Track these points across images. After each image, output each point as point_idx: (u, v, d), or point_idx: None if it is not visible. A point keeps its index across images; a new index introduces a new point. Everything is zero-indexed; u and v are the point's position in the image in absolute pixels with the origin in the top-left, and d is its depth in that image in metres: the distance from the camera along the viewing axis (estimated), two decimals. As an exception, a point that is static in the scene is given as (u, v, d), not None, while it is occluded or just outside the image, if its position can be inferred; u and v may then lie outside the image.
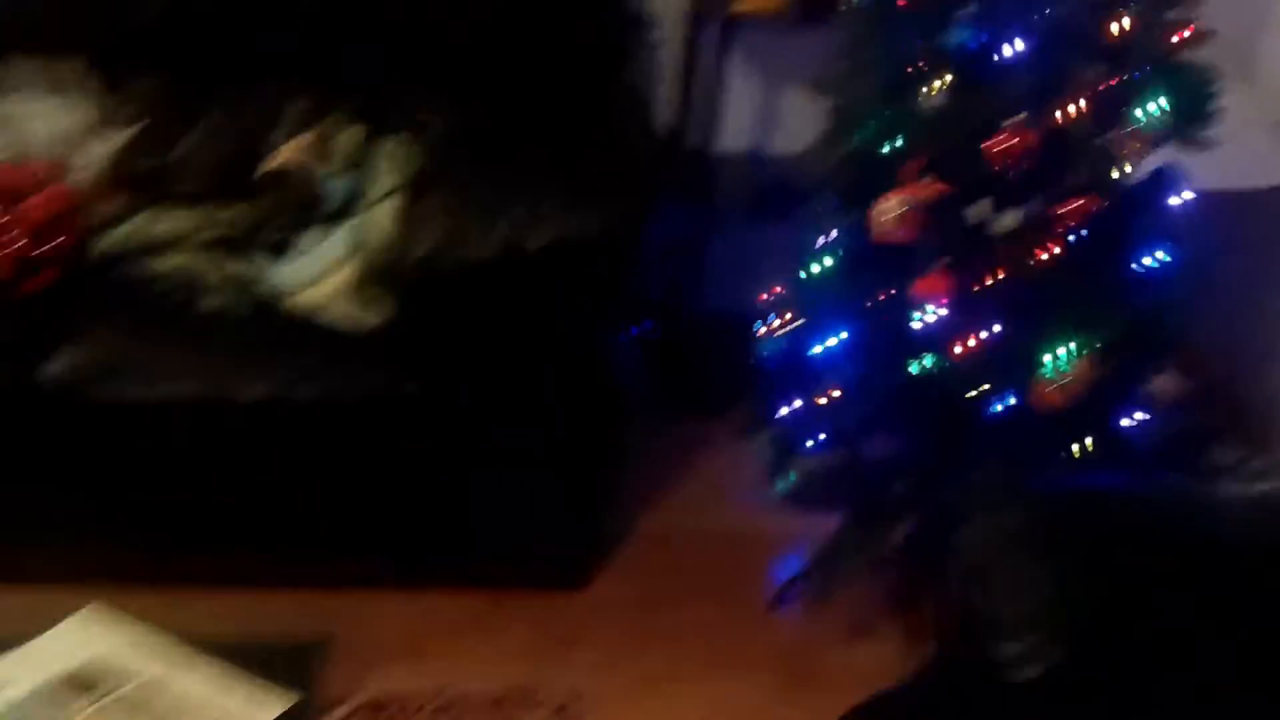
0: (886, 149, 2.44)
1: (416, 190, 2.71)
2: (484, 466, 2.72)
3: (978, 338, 2.44)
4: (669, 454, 3.21)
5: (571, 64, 3.15)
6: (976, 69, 2.37)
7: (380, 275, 2.62)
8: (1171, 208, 2.51)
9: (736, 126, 3.58)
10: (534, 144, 2.86)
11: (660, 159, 3.44)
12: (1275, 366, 3.45)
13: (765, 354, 2.74)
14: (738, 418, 3.09)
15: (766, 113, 3.63)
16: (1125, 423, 2.55)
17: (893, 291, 2.51)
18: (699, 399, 3.39)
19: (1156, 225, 2.49)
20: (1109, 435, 2.56)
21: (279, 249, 2.71)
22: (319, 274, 2.63)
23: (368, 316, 2.60)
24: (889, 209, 2.39)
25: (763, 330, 2.75)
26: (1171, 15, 2.40)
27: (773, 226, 2.96)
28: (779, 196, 3.15)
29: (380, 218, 2.69)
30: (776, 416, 2.77)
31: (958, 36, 2.35)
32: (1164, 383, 2.98)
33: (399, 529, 2.75)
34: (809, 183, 2.67)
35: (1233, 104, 3.11)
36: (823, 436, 2.75)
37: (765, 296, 2.81)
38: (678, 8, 3.48)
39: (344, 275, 2.62)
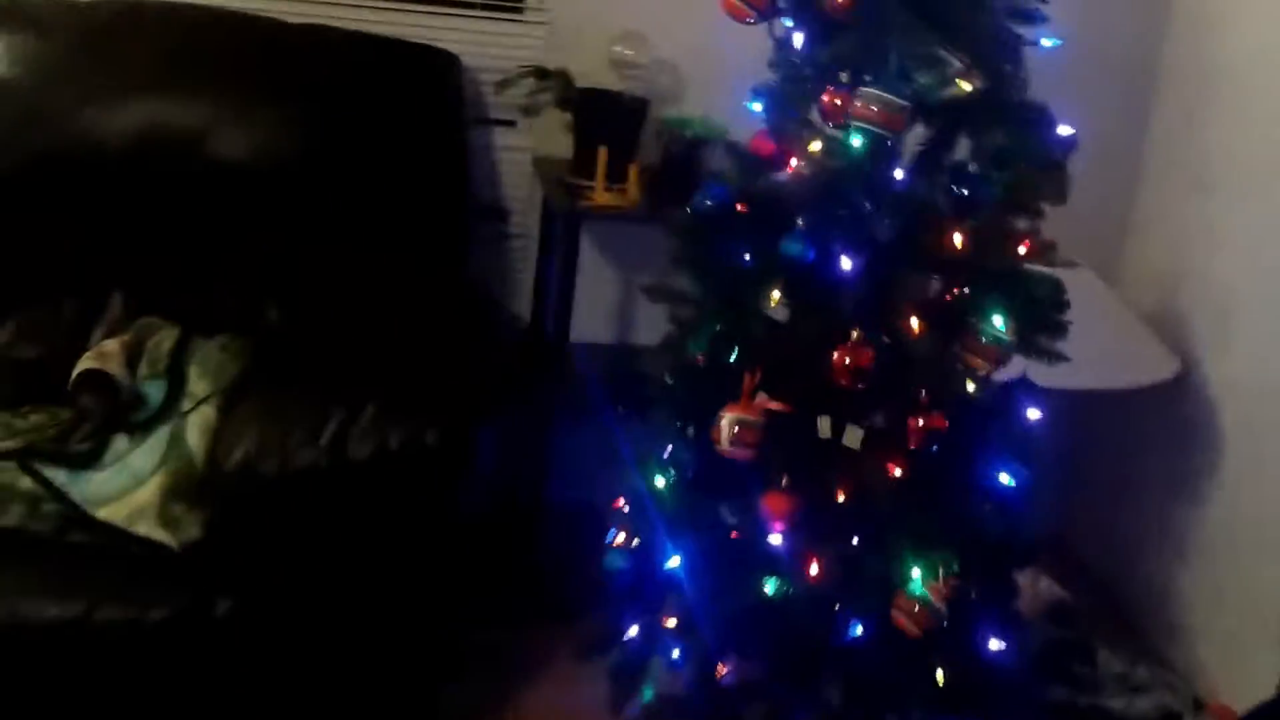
0: (724, 361, 2.32)
1: (233, 396, 2.57)
2: (307, 688, 2.53)
3: (825, 559, 2.31)
4: (514, 667, 3.02)
5: (415, 256, 3.04)
6: (813, 281, 2.27)
7: (191, 488, 2.46)
8: (1024, 421, 2.41)
9: (592, 318, 3.49)
10: (368, 342, 2.75)
11: (510, 351, 3.34)
12: (1151, 561, 3.36)
13: (611, 568, 2.58)
14: (588, 625, 2.92)
15: (622, 304, 3.55)
16: (992, 645, 2.40)
17: (737, 510, 2.38)
18: (550, 601, 3.22)
19: (1009, 439, 2.38)
20: (975, 659, 2.42)
21: (87, 460, 2.52)
22: (126, 487, 2.46)
23: (177, 532, 2.42)
24: (726, 425, 2.27)
25: (610, 541, 2.60)
26: (1017, 225, 2.32)
27: (628, 421, 2.83)
28: (634, 390, 3.04)
29: (193, 426, 2.53)
30: (624, 636, 2.60)
31: (792, 248, 2.25)
32: (1032, 597, 2.89)
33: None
34: (655, 388, 2.55)
35: (1100, 303, 3.10)
36: (674, 657, 2.59)
37: (614, 505, 2.66)
38: (531, 199, 3.41)
39: (152, 488, 2.45)
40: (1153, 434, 3.44)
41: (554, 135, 3.33)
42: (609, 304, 3.55)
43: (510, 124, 3.41)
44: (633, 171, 3.16)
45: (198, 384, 2.60)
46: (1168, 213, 3.50)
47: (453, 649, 2.76)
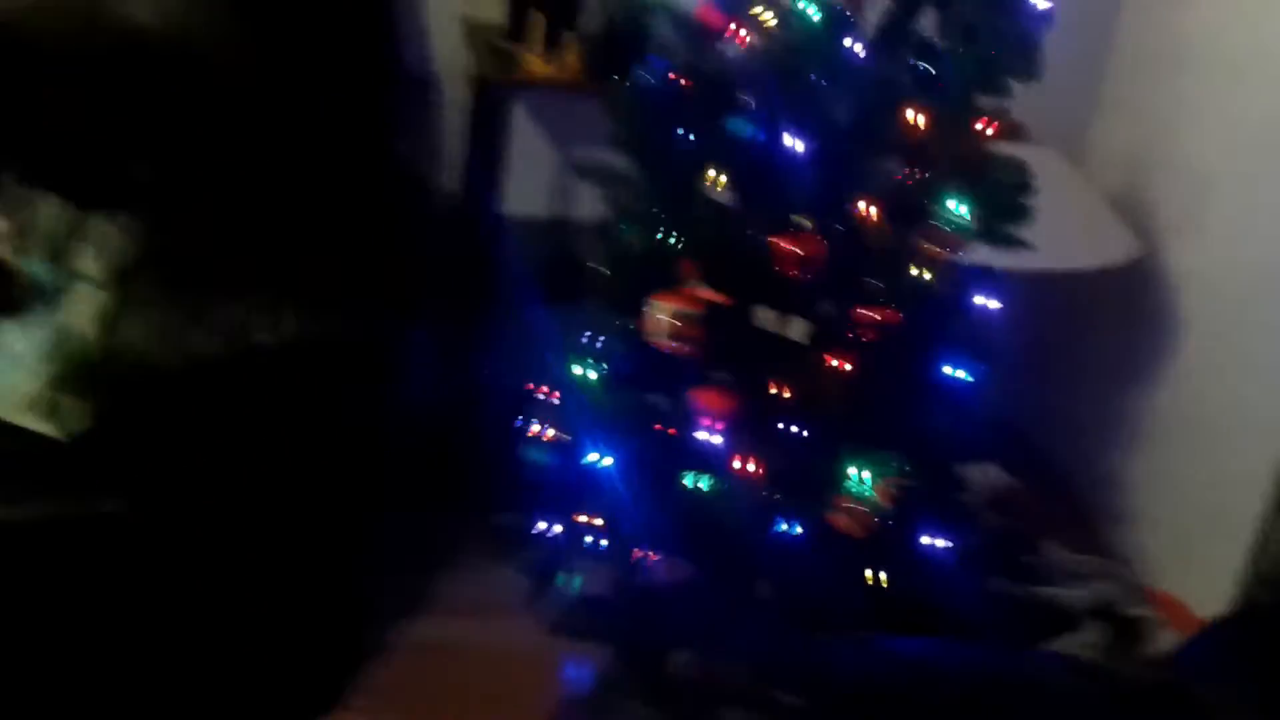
0: (663, 248, 2.13)
1: (128, 278, 2.36)
2: (208, 590, 2.36)
3: (763, 458, 2.14)
4: (440, 556, 2.87)
5: (331, 128, 2.80)
6: (761, 164, 2.07)
7: (81, 377, 2.26)
8: (982, 312, 2.23)
9: (528, 192, 3.28)
10: (280, 218, 2.53)
11: (437, 229, 3.13)
12: (1103, 449, 3.26)
13: (531, 461, 2.41)
14: (515, 517, 2.77)
15: (559, 179, 3.34)
16: (935, 543, 2.25)
17: (671, 404, 2.21)
18: (478, 490, 3.04)
19: (966, 332, 2.22)
20: (918, 558, 2.27)
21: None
22: (8, 375, 2.26)
23: (64, 423, 2.23)
24: (662, 317, 2.08)
25: (530, 432, 2.43)
26: (979, 106, 2.12)
27: (563, 305, 2.64)
28: (571, 271, 2.85)
29: (84, 310, 2.32)
30: (545, 532, 2.44)
31: (739, 128, 2.05)
32: (978, 485, 2.76)
33: (108, 674, 2.35)
34: (588, 275, 2.36)
35: (1062, 183, 2.93)
36: (596, 556, 2.44)
37: (534, 391, 2.48)
38: (461, 70, 3.18)
39: (38, 377, 2.24)
40: (1111, 318, 3.31)
41: (486, -3, 3.11)
42: (545, 178, 3.34)
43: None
44: (572, 39, 2.93)
45: (90, 265, 2.39)
46: (1139, 91, 3.32)
47: (370, 538, 2.58)
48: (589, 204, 2.98)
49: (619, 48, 2.92)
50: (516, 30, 2.97)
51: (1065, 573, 2.89)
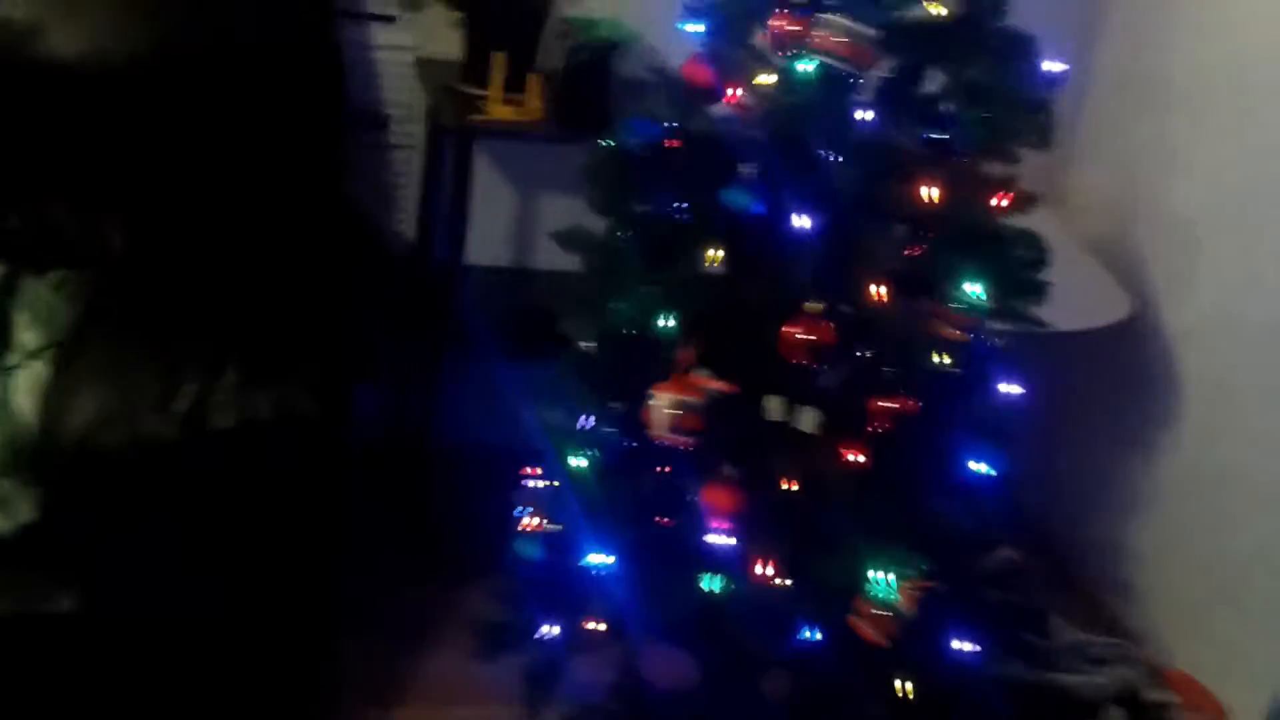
0: (656, 329, 1.98)
1: (70, 350, 2.19)
2: (165, 690, 2.21)
3: (774, 558, 2.00)
4: (410, 633, 2.72)
5: (282, 170, 2.63)
6: (760, 238, 1.94)
7: (23, 461, 2.10)
8: (998, 396, 2.10)
9: (486, 238, 3.13)
10: (229, 275, 2.37)
11: (394, 279, 2.98)
12: (1101, 518, 3.17)
13: (522, 557, 2.24)
14: (490, 584, 2.61)
15: (520, 224, 3.19)
16: (961, 646, 2.11)
17: (672, 498, 2.06)
18: (446, 558, 2.89)
19: (982, 418, 2.08)
20: (939, 664, 2.13)
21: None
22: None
23: (7, 514, 2.07)
24: (661, 409, 1.93)
25: (520, 523, 2.26)
26: (989, 175, 2.00)
27: (530, 361, 2.49)
28: (538, 327, 2.70)
29: (22, 386, 2.15)
30: (536, 635, 2.27)
31: (736, 199, 1.91)
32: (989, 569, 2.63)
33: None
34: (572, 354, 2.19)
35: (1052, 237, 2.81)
36: (594, 665, 2.29)
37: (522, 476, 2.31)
38: (414, 106, 3.01)
39: (-26, 463, 2.07)
40: (1104, 380, 3.19)
41: (440, 33, 2.94)
42: (504, 224, 3.20)
43: (389, 19, 3.00)
44: (533, 80, 2.77)
45: (27, 334, 2.22)
46: (1118, 135, 3.21)
47: (334, 627, 2.43)
48: (554, 253, 2.84)
49: (583, 89, 2.78)
50: (475, 70, 2.81)
51: (1078, 655, 2.77)
